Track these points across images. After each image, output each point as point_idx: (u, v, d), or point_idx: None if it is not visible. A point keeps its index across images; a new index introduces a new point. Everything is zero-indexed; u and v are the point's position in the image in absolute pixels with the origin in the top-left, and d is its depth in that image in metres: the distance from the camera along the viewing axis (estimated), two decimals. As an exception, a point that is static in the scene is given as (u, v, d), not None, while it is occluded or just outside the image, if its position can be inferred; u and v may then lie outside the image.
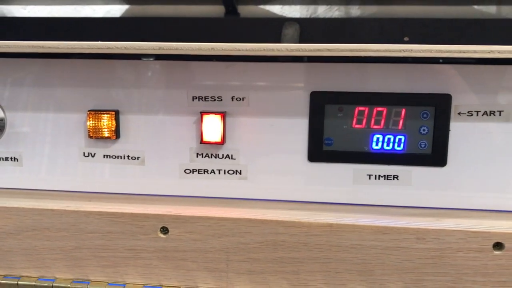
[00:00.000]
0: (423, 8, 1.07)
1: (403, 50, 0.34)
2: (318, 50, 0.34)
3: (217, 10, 1.09)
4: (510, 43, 0.98)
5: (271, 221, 0.37)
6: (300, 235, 0.37)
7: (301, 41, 1.09)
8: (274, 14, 1.13)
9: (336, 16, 1.13)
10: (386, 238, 0.36)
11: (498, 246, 0.36)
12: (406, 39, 1.06)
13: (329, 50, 0.34)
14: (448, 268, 0.36)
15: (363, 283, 0.37)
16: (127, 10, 1.16)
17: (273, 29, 1.06)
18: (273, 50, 0.35)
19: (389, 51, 0.34)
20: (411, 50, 0.34)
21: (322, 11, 1.15)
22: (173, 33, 1.04)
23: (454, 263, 0.36)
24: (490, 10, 1.05)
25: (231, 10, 1.08)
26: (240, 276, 0.38)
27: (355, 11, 1.14)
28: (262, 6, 1.13)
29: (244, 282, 0.38)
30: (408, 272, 0.37)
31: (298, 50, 0.34)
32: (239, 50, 0.35)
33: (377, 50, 0.34)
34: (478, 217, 0.38)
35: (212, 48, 0.35)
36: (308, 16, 1.14)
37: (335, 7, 1.12)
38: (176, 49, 0.35)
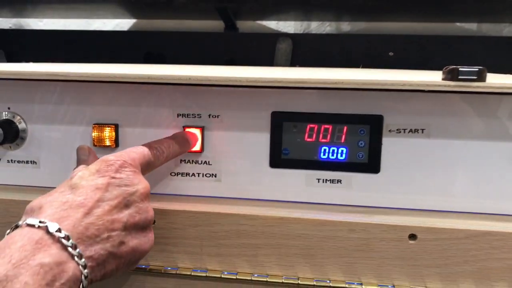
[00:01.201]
0: (408, 24, 1.18)
1: (336, 82, 0.44)
2: (270, 81, 0.45)
3: (217, 25, 1.21)
4: (490, 57, 1.09)
5: (236, 214, 0.48)
6: (258, 225, 0.48)
7: (294, 54, 1.21)
8: (270, 29, 1.25)
9: (328, 32, 1.25)
10: (325, 229, 0.47)
11: (412, 237, 0.46)
12: (391, 54, 1.18)
13: (278, 81, 0.45)
14: (373, 254, 0.47)
15: (307, 265, 0.48)
16: (134, 24, 1.29)
17: (268, 43, 1.17)
18: (236, 80, 0.45)
19: (325, 83, 0.45)
20: (342, 82, 0.44)
21: (315, 26, 1.26)
22: (176, 46, 1.15)
23: (378, 250, 0.47)
24: (472, 27, 1.16)
25: (230, 25, 1.20)
26: (211, 258, 0.49)
27: (345, 27, 1.26)
28: (259, 22, 1.25)
29: (214, 262, 0.49)
30: (342, 257, 0.47)
31: (255, 81, 0.45)
32: (210, 80, 0.46)
33: (316, 82, 0.45)
34: (399, 214, 0.48)
35: (189, 78, 0.46)
36: (301, 32, 1.26)
37: (327, 23, 1.24)
38: (161, 78, 0.46)
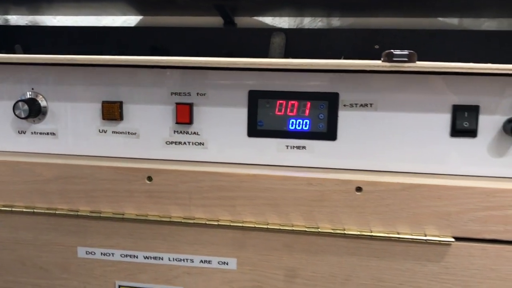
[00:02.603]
0: (393, 20, 1.30)
1: (297, 65, 0.56)
2: (246, 63, 0.57)
3: (217, 21, 1.33)
4: (471, 51, 1.21)
5: (218, 173, 0.60)
6: (235, 181, 0.60)
7: (287, 48, 1.33)
8: (266, 24, 1.37)
9: (319, 27, 1.37)
10: (288, 183, 0.59)
11: (359, 189, 0.58)
12: (376, 47, 1.30)
13: (252, 64, 0.57)
14: (327, 204, 0.59)
15: (275, 212, 0.60)
16: (141, 20, 1.41)
17: (264, 37, 1.29)
18: (219, 63, 0.58)
19: (290, 65, 0.57)
20: (302, 64, 0.56)
21: (308, 22, 1.39)
22: (179, 41, 1.28)
23: (331, 200, 0.59)
24: (453, 22, 1.28)
25: (228, 21, 1.32)
26: (198, 208, 0.61)
27: (336, 22, 1.38)
28: (256, 18, 1.37)
29: (200, 212, 0.61)
30: (302, 206, 0.59)
31: (234, 63, 0.57)
32: (196, 63, 0.58)
33: (283, 64, 0.57)
34: (349, 172, 0.60)
35: (180, 62, 0.58)
36: (295, 27, 1.38)
37: (319, 19, 1.36)
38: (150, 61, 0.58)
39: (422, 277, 0.58)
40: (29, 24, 1.49)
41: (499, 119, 0.58)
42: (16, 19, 1.52)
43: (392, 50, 0.55)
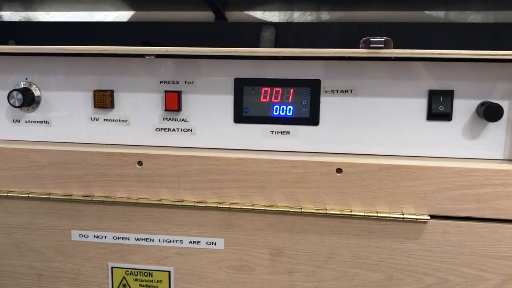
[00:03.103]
0: (381, 13, 1.33)
1: (279, 52, 0.59)
2: (231, 52, 0.60)
3: (208, 16, 1.36)
4: (457, 43, 1.25)
5: (206, 157, 0.63)
6: (223, 165, 0.63)
7: (277, 41, 1.36)
8: (256, 18, 1.40)
9: (309, 21, 1.40)
10: (272, 166, 0.62)
11: (339, 170, 0.61)
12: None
13: (235, 52, 0.60)
14: (310, 185, 0.62)
15: (260, 193, 0.63)
16: (133, 15, 1.44)
17: (254, 31, 1.32)
18: (206, 52, 0.61)
19: (272, 52, 0.60)
20: (283, 52, 0.59)
21: (297, 16, 1.42)
22: (171, 35, 1.30)
23: (313, 181, 0.62)
24: (439, 15, 1.31)
25: (219, 15, 1.35)
26: (187, 191, 0.64)
27: (325, 16, 1.41)
28: (246, 12, 1.40)
29: (189, 194, 0.64)
30: (286, 187, 0.62)
31: (219, 52, 0.60)
32: (184, 51, 0.61)
33: (265, 52, 0.60)
34: (330, 155, 0.63)
35: (167, 50, 0.61)
36: (285, 21, 1.41)
37: (308, 13, 1.39)
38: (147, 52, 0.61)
39: (400, 254, 0.61)
40: (23, 20, 1.51)
41: (473, 103, 0.61)
42: (10, 15, 1.54)
43: (369, 37, 0.58)
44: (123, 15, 1.48)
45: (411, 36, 1.27)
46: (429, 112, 0.62)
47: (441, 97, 0.61)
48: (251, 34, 1.32)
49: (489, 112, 0.59)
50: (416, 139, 0.62)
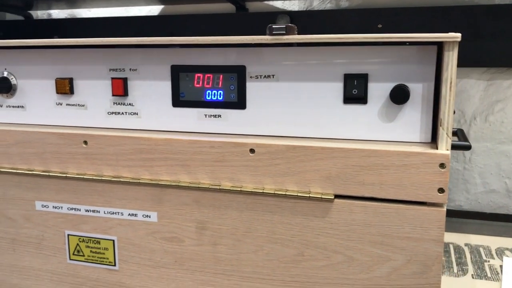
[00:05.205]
0: (398, -1, 1.32)
1: (206, 41, 0.65)
2: (167, 41, 0.66)
3: (230, 7, 1.43)
4: (470, 26, 1.23)
5: (139, 137, 0.70)
6: (153, 145, 0.70)
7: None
8: (276, 8, 1.45)
9: (328, 8, 1.42)
10: (195, 146, 0.68)
11: (252, 151, 0.66)
12: (379, 26, 1.34)
13: (170, 41, 0.66)
14: (227, 163, 0.66)
15: (185, 171, 0.69)
16: (162, 9, 1.55)
17: (271, 21, 1.38)
18: (146, 41, 0.67)
19: (203, 41, 0.65)
20: (212, 40, 0.65)
21: (317, 4, 1.45)
22: (195, 27, 1.40)
23: (230, 160, 0.66)
24: (458, -1, 1.28)
25: (239, 6, 1.42)
26: (124, 168, 0.72)
27: (344, 3, 1.43)
28: (266, 2, 1.46)
29: (126, 171, 0.72)
30: (207, 166, 0.68)
31: (158, 41, 0.67)
32: (127, 41, 0.68)
33: (198, 41, 0.65)
34: (249, 137, 0.68)
35: (116, 41, 0.69)
36: (304, 9, 1.45)
37: (327, 0, 1.42)
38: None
39: (309, 231, 0.64)
40: (68, 17, 1.67)
41: (388, 86, 0.63)
42: (57, 13, 1.71)
43: (272, 24, 0.62)
44: (155, 9, 1.59)
45: (426, 21, 1.26)
46: (344, 95, 0.65)
47: (355, 81, 0.64)
48: (268, 23, 1.36)
49: (394, 94, 0.61)
50: (334, 122, 0.65)
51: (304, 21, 1.39)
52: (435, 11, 1.21)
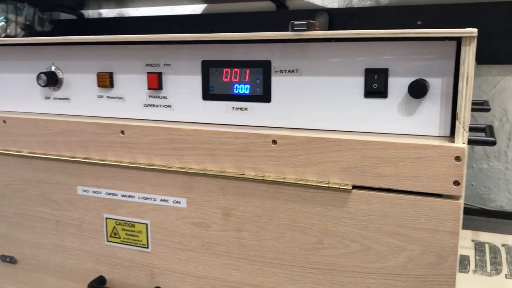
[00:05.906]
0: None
1: (234, 37, 0.69)
2: (199, 38, 0.71)
3: (270, 5, 1.47)
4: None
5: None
6: (183, 135, 0.74)
7: (332, 27, 1.42)
8: (316, 5, 1.48)
9: (368, 5, 1.44)
10: (221, 137, 0.72)
11: (274, 142, 0.69)
12: (419, 22, 1.35)
13: (201, 37, 0.70)
14: (251, 154, 0.70)
15: (212, 160, 0.73)
16: (205, 8, 1.61)
17: (313, 18, 1.40)
18: (177, 37, 0.72)
19: (230, 37, 0.69)
20: (239, 37, 0.69)
21: (356, 1, 1.46)
22: (237, 25, 1.45)
23: (253, 151, 0.70)
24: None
25: (279, 4, 1.46)
26: (157, 156, 0.77)
27: (383, 0, 1.44)
28: (306, 0, 1.49)
29: (158, 160, 0.77)
30: (232, 156, 0.71)
31: (189, 37, 0.71)
32: (160, 38, 0.73)
33: (225, 37, 0.70)
34: (280, 129, 0.71)
35: (154, 37, 0.74)
36: (344, 6, 1.47)
37: (368, -2, 1.44)
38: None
39: (328, 220, 0.67)
40: (117, 16, 1.76)
41: (407, 81, 0.65)
42: (107, 12, 1.80)
43: (294, 21, 0.65)
44: (197, 8, 1.65)
45: (463, 17, 1.25)
46: (365, 89, 0.67)
47: (376, 76, 0.66)
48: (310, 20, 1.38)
49: (412, 89, 0.63)
50: (355, 115, 0.67)
51: (344, 18, 1.41)
52: (475, 7, 1.21)
